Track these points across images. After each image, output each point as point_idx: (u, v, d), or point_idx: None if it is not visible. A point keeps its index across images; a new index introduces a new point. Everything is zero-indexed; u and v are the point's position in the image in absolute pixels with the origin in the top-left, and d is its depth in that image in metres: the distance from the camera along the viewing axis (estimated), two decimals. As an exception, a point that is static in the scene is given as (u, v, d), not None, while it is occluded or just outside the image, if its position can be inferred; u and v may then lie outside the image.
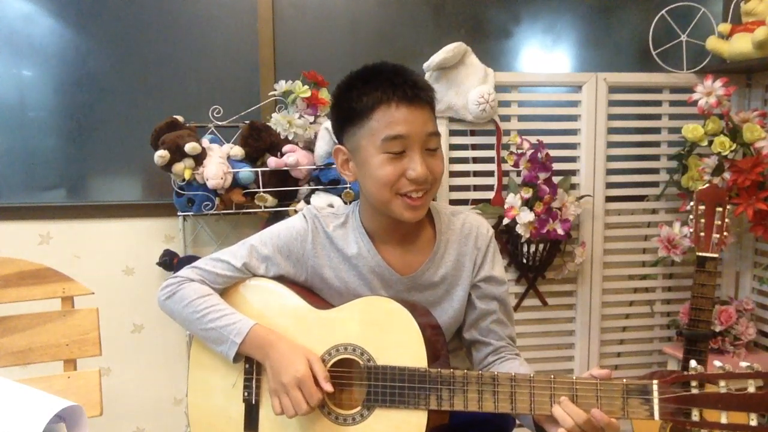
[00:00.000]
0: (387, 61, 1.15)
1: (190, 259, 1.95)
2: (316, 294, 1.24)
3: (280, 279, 1.23)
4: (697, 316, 1.72)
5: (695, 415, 0.92)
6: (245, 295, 1.23)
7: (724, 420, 0.90)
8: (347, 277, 1.21)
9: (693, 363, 0.95)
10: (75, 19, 2.12)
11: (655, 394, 0.95)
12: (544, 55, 2.39)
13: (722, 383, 0.91)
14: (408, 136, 1.08)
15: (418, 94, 1.09)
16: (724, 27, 2.17)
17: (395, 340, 1.10)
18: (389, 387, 1.08)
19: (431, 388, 1.06)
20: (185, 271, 1.24)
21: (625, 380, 0.97)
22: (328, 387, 1.08)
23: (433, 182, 1.13)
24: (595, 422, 0.96)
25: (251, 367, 1.18)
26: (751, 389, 0.89)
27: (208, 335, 1.17)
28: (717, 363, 0.93)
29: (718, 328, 2.10)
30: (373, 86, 1.09)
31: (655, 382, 0.95)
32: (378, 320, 1.12)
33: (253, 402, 1.17)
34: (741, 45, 2.07)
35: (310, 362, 1.10)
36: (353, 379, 1.13)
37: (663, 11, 2.27)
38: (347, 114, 1.13)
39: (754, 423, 0.89)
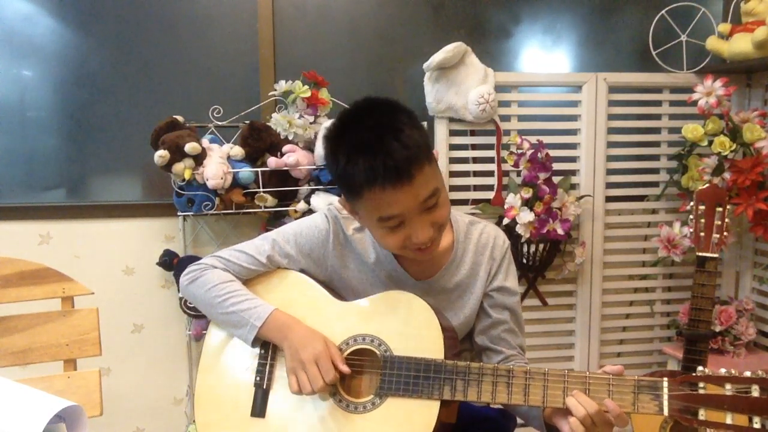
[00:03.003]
0: (372, 107, 1.07)
1: (190, 259, 1.95)
2: (334, 289, 1.26)
3: (302, 270, 1.25)
4: (697, 316, 1.72)
5: (702, 414, 0.94)
6: (267, 284, 1.24)
7: (729, 421, 0.93)
8: (364, 278, 1.23)
9: (701, 367, 0.99)
10: (75, 19, 2.12)
11: (665, 390, 0.98)
12: (544, 55, 2.39)
13: (728, 386, 0.94)
14: (402, 213, 1.05)
15: (403, 172, 1.00)
16: (724, 27, 2.17)
17: (414, 332, 1.11)
18: (404, 376, 1.09)
19: (446, 379, 1.07)
20: (209, 259, 1.25)
21: (636, 377, 1.00)
22: (345, 368, 1.10)
23: (440, 228, 1.11)
24: (606, 415, 0.98)
25: (266, 352, 1.19)
26: (756, 393, 0.92)
27: (229, 319, 1.18)
28: (722, 370, 0.96)
29: (718, 328, 2.10)
30: (358, 158, 1.02)
31: (665, 379, 0.98)
32: (398, 313, 1.13)
33: (264, 387, 1.17)
34: (741, 45, 2.07)
35: (327, 345, 1.12)
36: (368, 369, 1.14)
37: (663, 11, 2.27)
38: (339, 179, 1.08)
39: (757, 426, 0.92)
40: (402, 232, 1.07)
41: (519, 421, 1.34)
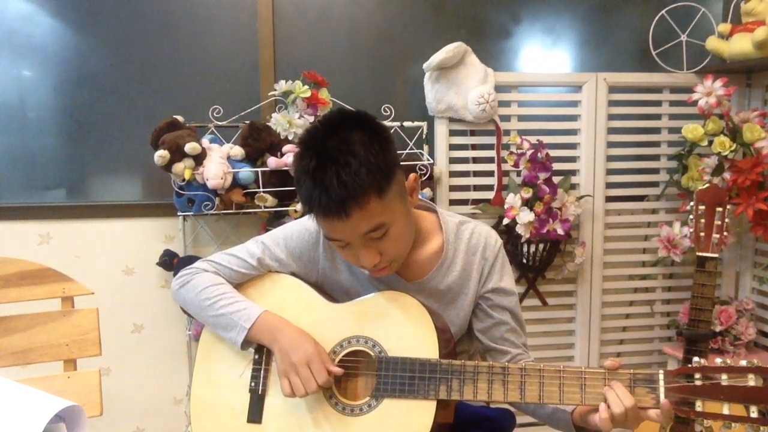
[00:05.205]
0: (333, 128, 1.05)
1: (190, 259, 1.95)
2: (326, 291, 1.26)
3: (293, 273, 1.25)
4: (697, 316, 1.72)
5: (699, 406, 0.95)
6: (260, 287, 1.24)
7: (726, 411, 0.93)
8: (355, 280, 1.23)
9: (696, 358, 0.99)
10: (75, 19, 2.12)
11: (661, 383, 0.98)
12: (544, 55, 2.39)
13: (724, 376, 0.94)
14: (342, 239, 1.08)
15: (337, 210, 1.01)
16: (724, 27, 2.17)
17: (408, 332, 1.11)
18: (399, 377, 1.08)
19: (441, 379, 1.07)
20: (200, 263, 1.25)
21: (632, 370, 1.00)
22: (336, 369, 1.10)
23: (392, 260, 1.12)
24: (641, 411, 0.99)
25: (260, 357, 1.18)
26: (752, 382, 0.92)
27: (219, 321, 1.18)
28: (718, 360, 0.96)
29: (718, 328, 2.10)
30: (303, 183, 1.04)
31: (661, 371, 0.98)
32: (392, 313, 1.13)
33: (260, 392, 1.17)
34: (741, 45, 2.07)
35: (317, 347, 1.12)
36: (364, 371, 1.14)
37: (663, 11, 2.28)
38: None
39: (754, 415, 0.92)
40: (351, 251, 1.10)
41: (519, 420, 1.34)
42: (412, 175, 1.14)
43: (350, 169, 1.00)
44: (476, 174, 2.24)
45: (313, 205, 1.03)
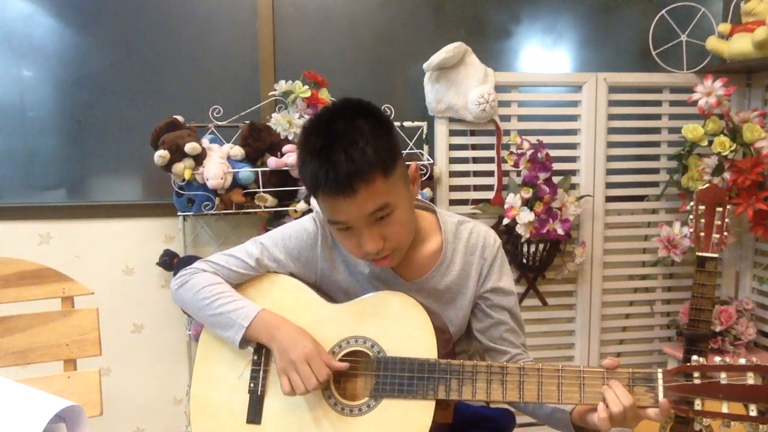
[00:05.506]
0: (338, 112, 1.08)
1: (190, 260, 1.95)
2: (325, 291, 1.26)
3: (291, 274, 1.25)
4: (697, 316, 1.72)
5: (698, 404, 0.95)
6: (258, 288, 1.24)
7: (725, 410, 0.93)
8: (354, 280, 1.23)
9: (695, 356, 0.99)
10: (75, 19, 2.12)
11: (660, 382, 0.98)
12: (544, 55, 2.39)
13: (723, 375, 0.94)
14: (347, 221, 1.07)
15: (344, 185, 1.01)
16: (724, 27, 2.17)
17: (407, 333, 1.11)
18: (398, 377, 1.08)
19: (440, 378, 1.07)
20: (199, 264, 1.25)
21: (631, 369, 1.00)
22: (339, 364, 1.10)
23: (394, 248, 1.11)
24: (640, 410, 0.99)
25: (259, 358, 1.18)
26: (751, 381, 0.92)
27: (217, 320, 1.18)
28: (717, 358, 0.96)
29: (718, 328, 2.10)
30: (309, 163, 1.04)
31: (660, 370, 0.98)
32: (390, 314, 1.13)
33: (259, 393, 1.17)
34: (741, 45, 2.07)
35: (317, 344, 1.12)
36: (363, 371, 1.14)
37: (663, 11, 2.28)
38: (300, 177, 1.13)
39: (753, 413, 0.92)
40: (353, 237, 1.09)
41: (519, 420, 1.34)
42: (413, 165, 1.14)
43: (357, 146, 1.01)
44: (476, 174, 2.24)
45: (320, 183, 1.03)
